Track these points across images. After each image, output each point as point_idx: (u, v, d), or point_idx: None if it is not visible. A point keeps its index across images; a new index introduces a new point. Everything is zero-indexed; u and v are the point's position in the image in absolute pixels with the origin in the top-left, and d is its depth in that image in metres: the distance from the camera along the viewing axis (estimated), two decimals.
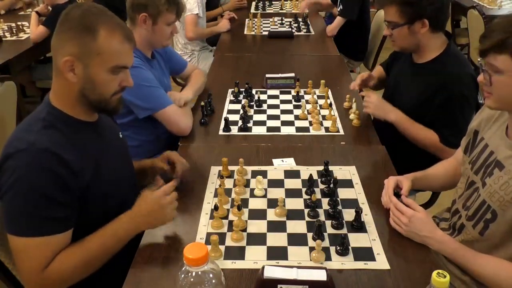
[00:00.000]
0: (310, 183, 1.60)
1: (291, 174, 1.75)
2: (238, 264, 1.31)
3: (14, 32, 3.85)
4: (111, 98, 1.34)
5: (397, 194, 1.52)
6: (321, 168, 1.73)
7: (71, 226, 1.28)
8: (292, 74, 2.57)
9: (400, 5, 1.93)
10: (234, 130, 2.09)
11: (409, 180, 1.57)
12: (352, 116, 2.16)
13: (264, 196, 1.62)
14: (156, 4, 2.05)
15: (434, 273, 0.96)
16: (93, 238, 1.30)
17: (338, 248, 1.35)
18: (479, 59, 1.37)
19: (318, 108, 2.27)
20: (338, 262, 1.31)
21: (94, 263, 1.30)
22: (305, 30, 3.71)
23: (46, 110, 1.32)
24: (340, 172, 1.75)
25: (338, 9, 3.64)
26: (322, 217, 1.50)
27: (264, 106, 2.32)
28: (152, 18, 2.07)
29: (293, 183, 1.69)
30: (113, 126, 1.56)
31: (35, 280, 1.22)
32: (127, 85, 1.36)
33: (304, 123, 2.14)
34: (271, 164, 1.82)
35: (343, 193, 1.62)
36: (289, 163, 1.82)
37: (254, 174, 1.72)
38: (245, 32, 3.68)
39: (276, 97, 2.44)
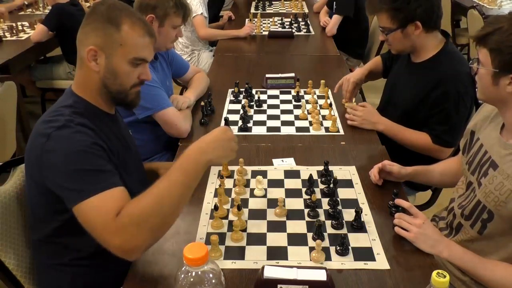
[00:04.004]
0: (310, 183, 1.60)
1: (291, 174, 1.75)
2: (238, 264, 1.31)
3: (14, 32, 3.85)
4: (130, 90, 1.40)
5: (395, 194, 1.52)
6: (321, 168, 1.73)
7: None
8: (292, 74, 2.57)
9: (389, 11, 1.93)
10: (234, 130, 2.09)
11: (400, 168, 1.63)
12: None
13: (264, 196, 1.62)
14: (164, 6, 2.07)
15: (434, 273, 0.96)
16: (161, 178, 1.23)
17: (338, 248, 1.35)
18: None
19: (318, 108, 2.27)
20: (338, 262, 1.31)
21: (164, 201, 1.18)
22: (305, 30, 3.71)
23: (72, 99, 1.37)
24: (340, 172, 1.75)
25: (334, 8, 3.64)
26: (322, 217, 1.50)
27: (264, 106, 2.32)
28: (159, 20, 2.08)
29: (293, 183, 1.69)
30: (124, 123, 1.62)
31: (109, 230, 1.15)
32: (146, 78, 1.42)
33: (304, 123, 2.14)
34: (271, 164, 1.82)
35: (343, 193, 1.62)
36: (289, 163, 1.82)
37: (254, 174, 1.72)
38: None
39: (276, 97, 2.44)
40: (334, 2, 3.65)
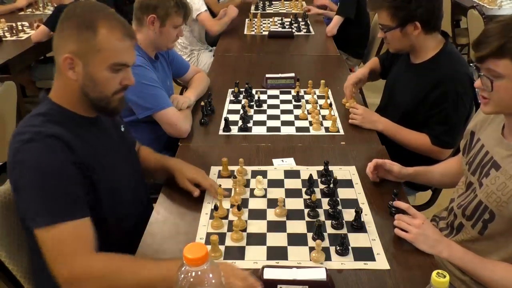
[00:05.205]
0: (310, 183, 1.60)
1: (291, 174, 1.75)
2: (238, 264, 1.31)
3: (14, 32, 3.85)
4: (113, 96, 1.33)
5: (395, 194, 1.52)
6: (321, 168, 1.73)
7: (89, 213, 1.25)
8: (292, 74, 2.57)
9: (390, 9, 1.93)
10: (234, 130, 2.09)
11: (399, 166, 1.63)
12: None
13: (264, 196, 1.62)
14: (165, 6, 2.07)
15: (434, 273, 0.96)
16: (141, 259, 1.24)
17: (338, 248, 1.35)
18: (471, 64, 1.35)
19: (318, 108, 2.27)
20: (338, 262, 1.31)
21: (124, 278, 1.17)
22: (305, 30, 3.71)
23: (46, 106, 1.31)
24: (340, 172, 1.75)
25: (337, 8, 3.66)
26: (322, 217, 1.50)
27: (264, 106, 2.32)
28: (160, 19, 2.08)
29: (293, 183, 1.69)
30: (116, 122, 1.55)
31: (64, 264, 1.15)
32: (129, 83, 1.35)
33: (304, 123, 2.14)
34: (271, 164, 1.82)
35: (343, 193, 1.62)
36: (289, 163, 1.82)
37: (254, 174, 1.72)
38: (245, 32, 3.68)
39: (276, 97, 2.44)
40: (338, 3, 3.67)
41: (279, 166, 1.80)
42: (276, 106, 2.33)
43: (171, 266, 1.13)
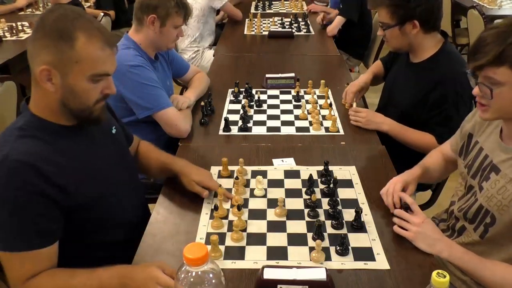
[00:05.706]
0: (310, 183, 1.60)
1: (291, 174, 1.75)
2: (238, 264, 1.31)
3: (14, 32, 3.85)
4: (94, 106, 1.28)
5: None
6: (321, 168, 1.73)
7: (56, 238, 1.24)
8: (292, 74, 2.57)
9: (389, 7, 1.94)
10: (234, 130, 2.09)
11: (415, 183, 1.59)
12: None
13: (264, 196, 1.62)
14: (166, 6, 2.07)
15: (434, 273, 0.96)
16: (84, 272, 1.21)
17: (338, 248, 1.35)
18: (468, 71, 1.33)
19: (318, 108, 2.27)
20: (338, 262, 1.31)
21: None
22: (305, 30, 3.71)
23: (24, 119, 1.26)
24: (340, 172, 1.75)
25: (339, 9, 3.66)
26: (322, 217, 1.50)
27: (264, 106, 2.32)
28: (161, 20, 2.08)
29: (293, 183, 1.69)
30: (106, 126, 1.48)
31: (15, 285, 1.19)
32: (110, 92, 1.30)
33: (304, 123, 2.14)
34: (271, 164, 1.82)
35: (343, 193, 1.62)
36: (289, 163, 1.82)
37: (254, 174, 1.72)
38: (245, 32, 3.68)
39: (276, 97, 2.44)
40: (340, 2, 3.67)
41: (279, 166, 1.80)
42: (276, 106, 2.33)
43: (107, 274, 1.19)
